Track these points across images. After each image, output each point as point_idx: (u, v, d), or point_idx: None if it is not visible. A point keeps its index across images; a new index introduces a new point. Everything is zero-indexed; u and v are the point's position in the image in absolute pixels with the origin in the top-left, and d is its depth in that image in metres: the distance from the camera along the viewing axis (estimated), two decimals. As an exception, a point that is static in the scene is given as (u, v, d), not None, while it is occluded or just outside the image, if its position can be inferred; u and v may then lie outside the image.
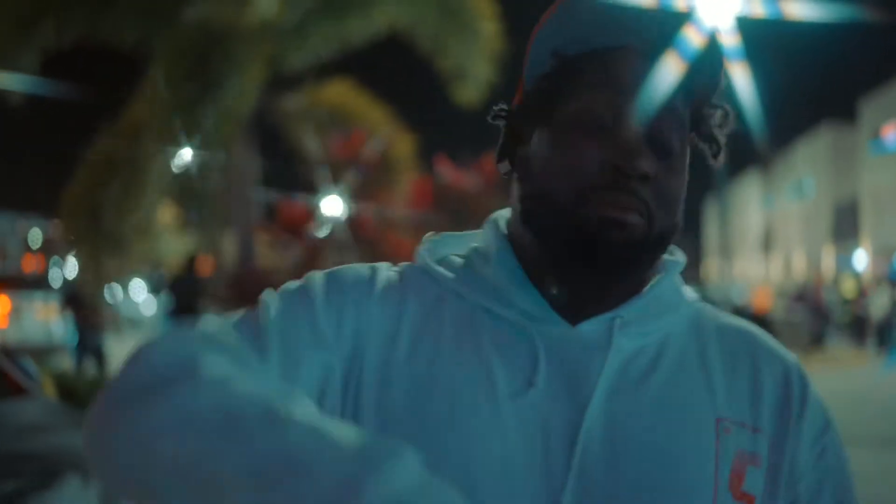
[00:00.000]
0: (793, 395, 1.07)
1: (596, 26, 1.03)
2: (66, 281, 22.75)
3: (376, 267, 1.10)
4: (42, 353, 14.64)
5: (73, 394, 8.45)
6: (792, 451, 1.05)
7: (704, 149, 1.11)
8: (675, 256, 1.13)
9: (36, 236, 48.40)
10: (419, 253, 1.13)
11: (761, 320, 25.02)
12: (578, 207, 0.99)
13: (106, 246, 9.06)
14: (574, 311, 1.03)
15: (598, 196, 0.98)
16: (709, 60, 1.05)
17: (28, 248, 48.09)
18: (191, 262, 12.29)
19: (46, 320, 17.53)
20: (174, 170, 9.04)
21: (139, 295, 32.88)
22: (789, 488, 1.05)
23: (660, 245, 1.04)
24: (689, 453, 0.99)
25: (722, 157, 1.12)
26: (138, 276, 27.55)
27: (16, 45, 7.91)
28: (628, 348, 1.03)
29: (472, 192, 5.94)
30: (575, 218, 0.99)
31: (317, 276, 1.07)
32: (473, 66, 7.82)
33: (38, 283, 19.90)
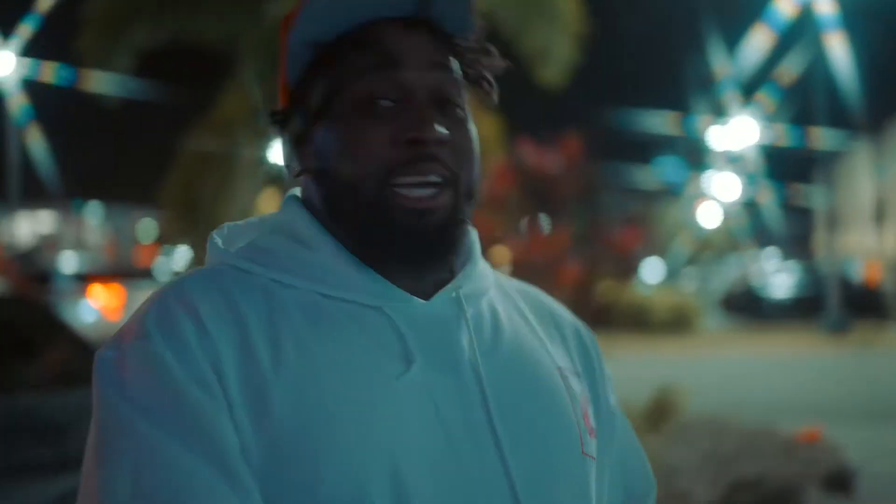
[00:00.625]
0: (587, 343, 1.21)
1: (346, 9, 1.03)
2: (175, 272, 23.54)
3: (164, 316, 0.96)
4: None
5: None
6: (603, 392, 1.20)
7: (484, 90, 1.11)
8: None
9: (148, 228, 49.93)
10: (216, 252, 1.07)
11: (872, 294, 24.29)
12: (387, 197, 0.99)
13: (204, 237, 9.34)
14: (412, 286, 1.03)
15: (401, 175, 0.99)
16: (455, 3, 1.06)
17: (138, 241, 49.70)
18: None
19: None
20: (269, 161, 9.24)
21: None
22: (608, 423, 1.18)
23: (471, 197, 1.05)
24: (557, 398, 1.08)
25: (495, 94, 1.12)
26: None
27: (110, 48, 8.23)
28: (474, 315, 1.07)
29: (553, 173, 5.95)
30: (386, 210, 0.99)
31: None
32: (556, 46, 7.80)
33: (151, 274, 20.64)
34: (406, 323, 1.01)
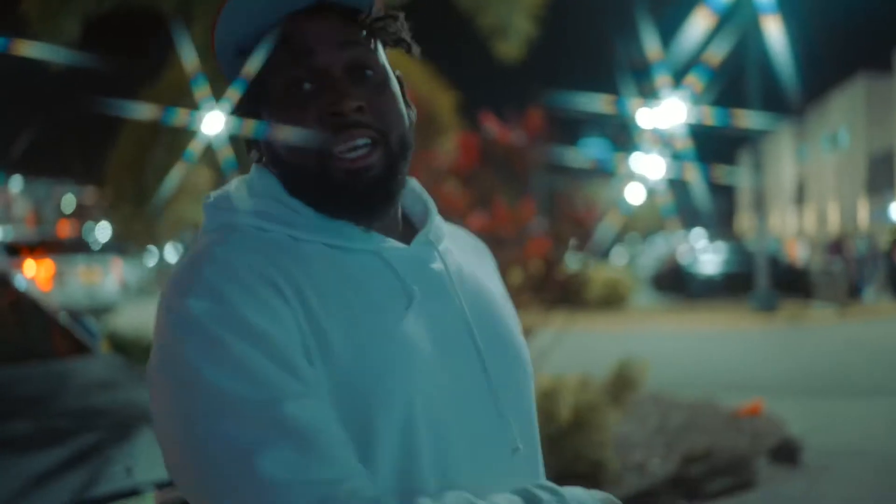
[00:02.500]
0: (493, 259, 1.47)
1: (252, 13, 1.16)
2: (103, 244, 23.04)
3: (227, 271, 1.07)
4: (89, 314, 14.90)
5: (128, 353, 8.64)
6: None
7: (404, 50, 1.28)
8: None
9: (69, 202, 48.85)
10: (220, 213, 1.20)
11: (797, 272, 24.97)
12: (328, 168, 1.15)
13: (143, 208, 9.18)
14: (387, 233, 1.23)
15: (333, 146, 1.14)
16: None
17: (62, 214, 48.60)
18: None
19: (90, 282, 17.81)
20: (209, 134, 9.09)
21: (174, 257, 33.28)
22: None
23: (404, 149, 1.22)
24: (508, 319, 1.32)
25: (415, 50, 1.28)
26: (173, 240, 27.81)
27: (57, 13, 7.97)
28: (442, 253, 1.28)
29: (517, 146, 5.98)
30: (329, 178, 1.16)
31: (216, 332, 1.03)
32: (514, 21, 7.82)
33: (78, 246, 20.16)
34: (398, 263, 1.19)
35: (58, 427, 3.27)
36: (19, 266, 16.70)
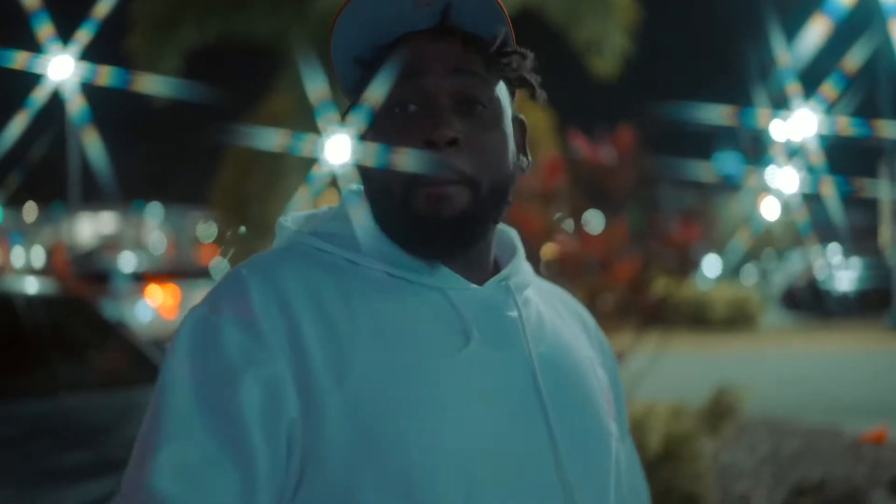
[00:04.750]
0: (604, 342, 1.35)
1: (374, 28, 1.12)
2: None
3: (234, 290, 1.08)
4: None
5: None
6: (619, 391, 1.33)
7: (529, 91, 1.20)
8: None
9: (207, 228, 50.64)
10: (286, 233, 1.19)
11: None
12: (411, 197, 1.09)
13: (255, 234, 9.38)
14: (465, 275, 1.15)
15: (423, 176, 1.08)
16: (480, 13, 1.12)
17: (198, 240, 50.42)
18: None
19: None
20: (330, 160, 9.22)
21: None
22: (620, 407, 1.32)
23: (497, 198, 1.14)
24: (589, 380, 1.21)
25: (541, 95, 1.20)
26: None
27: (158, 49, 8.26)
28: (521, 302, 1.18)
29: (606, 166, 5.76)
30: (409, 206, 1.10)
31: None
32: (608, 37, 7.64)
33: (206, 273, 20.83)
34: (463, 303, 1.12)
35: (117, 458, 3.30)
36: (144, 292, 17.36)
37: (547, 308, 1.25)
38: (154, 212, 49.72)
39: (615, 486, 1.19)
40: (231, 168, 9.33)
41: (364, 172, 1.16)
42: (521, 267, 1.23)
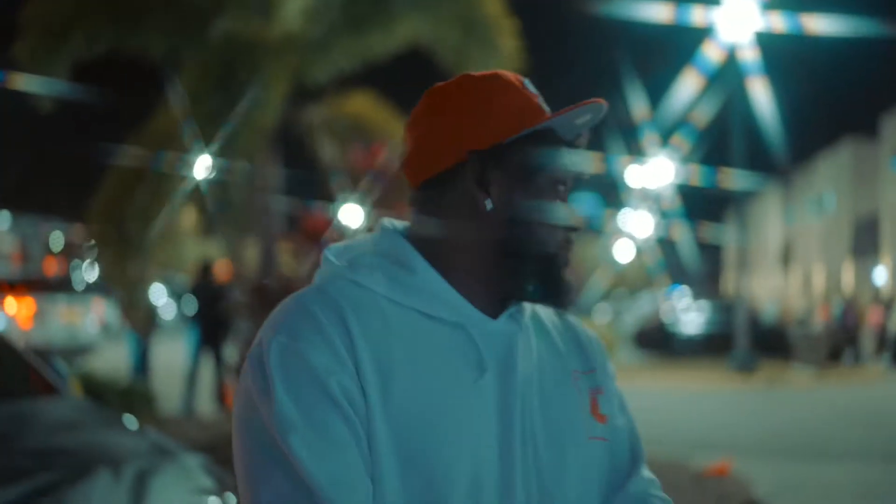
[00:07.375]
0: (600, 348, 1.55)
1: (566, 129, 1.39)
2: (88, 284, 22.96)
3: (312, 320, 1.27)
4: (67, 354, 14.85)
5: (100, 395, 8.59)
6: (611, 384, 1.54)
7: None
8: None
9: (57, 239, 48.63)
10: (331, 267, 1.37)
11: (778, 334, 25.04)
12: (559, 255, 1.39)
13: (129, 250, 9.25)
14: (484, 307, 1.37)
15: (563, 252, 1.40)
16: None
17: (49, 251, 48.31)
18: (205, 269, 12.47)
19: (70, 322, 17.75)
20: (197, 178, 9.19)
21: (159, 299, 33.12)
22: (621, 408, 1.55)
23: None
24: (568, 395, 1.44)
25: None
26: (158, 281, 27.77)
27: (48, 54, 8.12)
28: (524, 329, 1.41)
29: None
30: (556, 262, 1.39)
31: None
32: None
33: (61, 285, 20.10)
34: (481, 338, 1.34)
35: (17, 466, 3.29)
36: (0, 304, 16.66)
37: (538, 328, 1.46)
38: (2, 220, 47.38)
39: (598, 477, 1.45)
40: (112, 183, 9.19)
41: (517, 219, 1.36)
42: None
